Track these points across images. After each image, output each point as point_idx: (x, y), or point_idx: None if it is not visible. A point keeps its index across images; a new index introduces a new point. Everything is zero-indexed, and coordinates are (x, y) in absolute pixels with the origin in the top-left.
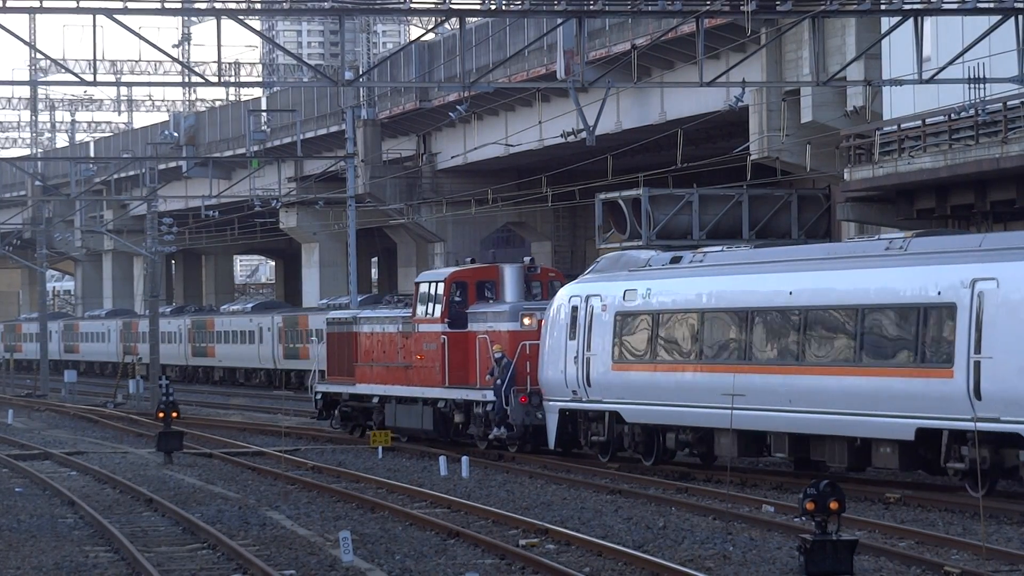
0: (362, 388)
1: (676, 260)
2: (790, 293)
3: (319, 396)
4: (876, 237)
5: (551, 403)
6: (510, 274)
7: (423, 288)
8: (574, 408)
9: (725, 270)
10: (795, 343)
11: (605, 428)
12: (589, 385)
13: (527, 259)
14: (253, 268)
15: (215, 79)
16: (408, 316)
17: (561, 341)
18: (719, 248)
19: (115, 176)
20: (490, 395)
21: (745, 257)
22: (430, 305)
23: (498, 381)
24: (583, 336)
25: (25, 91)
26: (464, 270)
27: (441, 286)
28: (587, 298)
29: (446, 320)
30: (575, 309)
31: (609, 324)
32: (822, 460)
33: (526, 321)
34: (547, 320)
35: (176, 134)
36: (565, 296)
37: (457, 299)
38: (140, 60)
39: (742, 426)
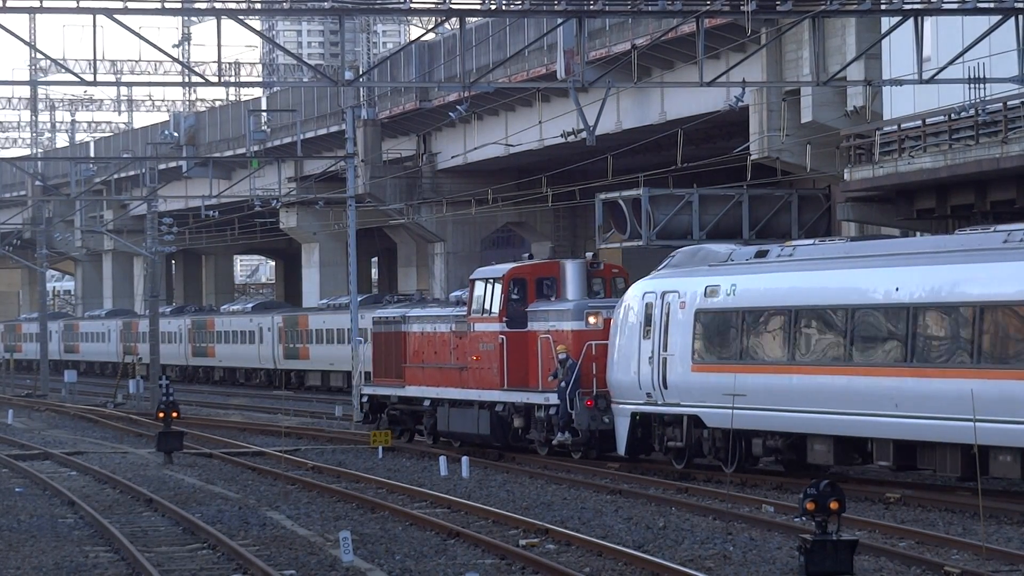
0: (412, 390)
1: (762, 254)
2: (896, 289)
3: (365, 399)
4: (992, 229)
5: (621, 406)
6: (572, 270)
7: (478, 285)
8: (648, 412)
9: (819, 264)
10: (902, 343)
11: (683, 433)
12: (665, 387)
13: (589, 254)
14: (253, 268)
15: (215, 79)
16: (462, 315)
17: (634, 341)
18: (811, 241)
19: (115, 176)
20: (553, 398)
21: (841, 251)
22: (487, 303)
23: (562, 383)
24: (659, 335)
25: (25, 91)
26: (523, 266)
27: (498, 283)
28: (663, 295)
29: (504, 319)
30: (649, 307)
31: (688, 322)
32: (929, 468)
33: (591, 320)
34: (617, 318)
35: (176, 134)
36: (638, 293)
37: (515, 297)
38: (140, 60)
39: (841, 432)
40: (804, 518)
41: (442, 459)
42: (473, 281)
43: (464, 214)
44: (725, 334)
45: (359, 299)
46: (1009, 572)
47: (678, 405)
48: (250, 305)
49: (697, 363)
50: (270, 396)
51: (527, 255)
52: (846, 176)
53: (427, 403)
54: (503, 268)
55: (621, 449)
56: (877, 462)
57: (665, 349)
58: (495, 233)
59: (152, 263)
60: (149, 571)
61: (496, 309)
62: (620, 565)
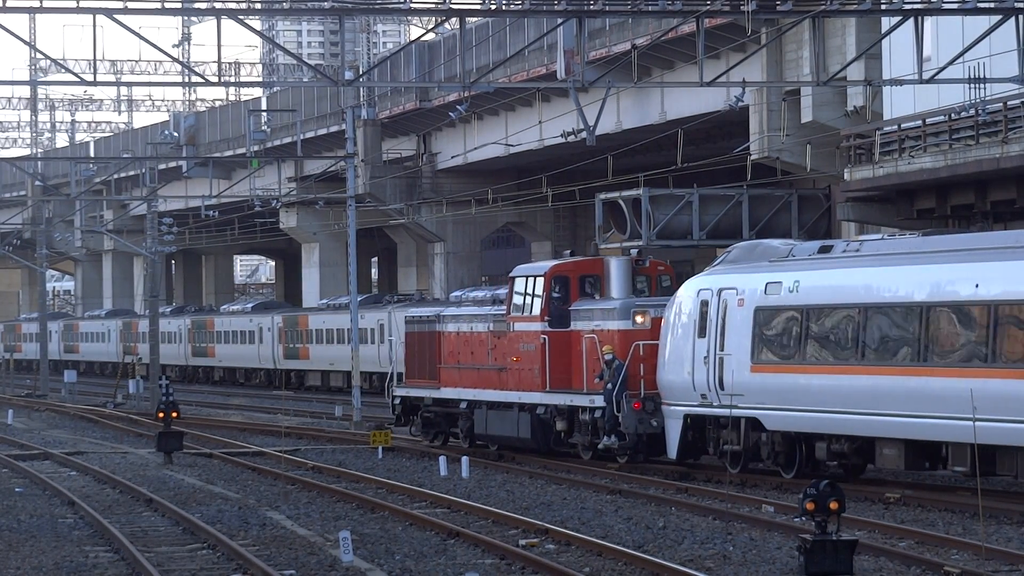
0: (447, 392)
1: (825, 249)
2: (976, 286)
3: (397, 401)
4: None
5: (673, 408)
6: (616, 268)
7: (518, 283)
8: (702, 414)
9: (891, 260)
10: (983, 342)
11: (740, 436)
12: (722, 388)
13: (634, 251)
14: (253, 268)
15: (215, 79)
16: (501, 314)
17: (688, 340)
18: (878, 236)
19: (115, 176)
20: (599, 400)
21: (914, 246)
22: (527, 302)
23: (608, 385)
24: (715, 334)
25: (25, 91)
26: (566, 263)
27: (540, 281)
28: (719, 292)
29: (546, 318)
30: (704, 304)
31: (747, 320)
32: (1009, 474)
33: (639, 319)
34: (668, 317)
35: (176, 134)
36: (692, 290)
37: (556, 295)
38: (140, 60)
39: (914, 436)
40: (804, 518)
41: (442, 459)
42: (512, 279)
43: (464, 214)
44: (787, 332)
45: (359, 299)
46: (1009, 572)
47: (735, 407)
48: (250, 305)
49: (756, 363)
50: (270, 396)
51: (569, 251)
52: (846, 176)
53: (463, 405)
54: (544, 265)
55: (672, 453)
56: (952, 467)
57: (722, 348)
58: (495, 233)
59: (152, 263)
60: (149, 571)
61: (537, 308)
62: (620, 565)
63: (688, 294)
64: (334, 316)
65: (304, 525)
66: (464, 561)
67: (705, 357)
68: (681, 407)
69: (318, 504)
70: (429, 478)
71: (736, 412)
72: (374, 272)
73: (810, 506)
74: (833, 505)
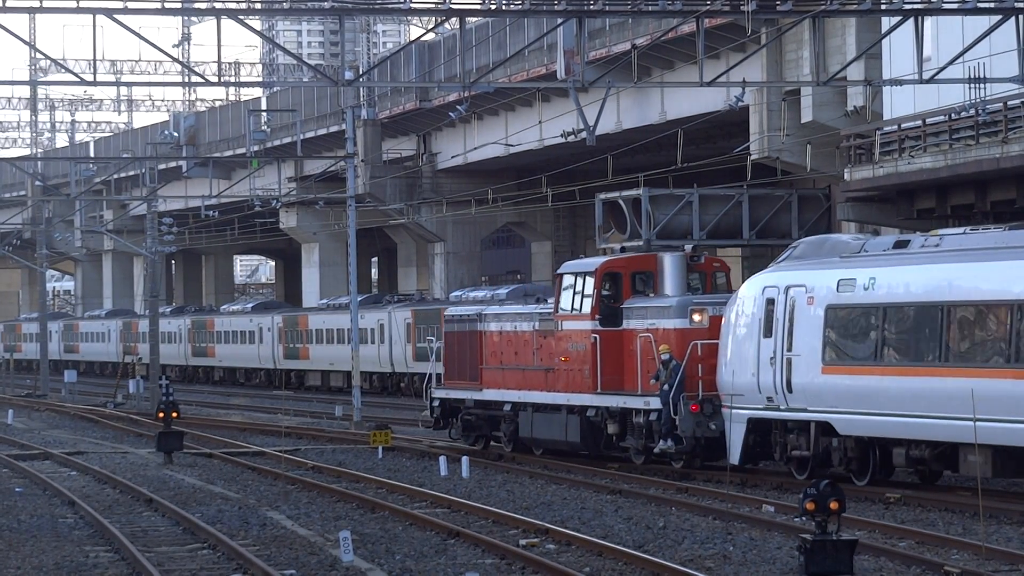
0: (490, 394)
1: (902, 244)
2: None
3: (436, 403)
4: None
5: (736, 412)
6: (670, 264)
7: (567, 280)
8: (768, 418)
9: (973, 255)
10: None
11: (810, 441)
12: (790, 391)
13: (688, 247)
14: (253, 268)
15: (215, 79)
16: (547, 312)
17: (752, 340)
18: (961, 230)
19: (115, 176)
20: (655, 402)
21: (1000, 240)
22: (576, 299)
23: (665, 386)
24: (782, 333)
25: (25, 91)
26: (618, 259)
27: (590, 278)
28: (787, 289)
29: (597, 316)
30: (770, 302)
31: (818, 319)
32: None
33: (696, 317)
34: (729, 316)
35: (176, 134)
36: (757, 287)
37: (607, 292)
38: (140, 60)
39: (1004, 442)
40: (804, 518)
41: (442, 459)
42: (560, 276)
43: (464, 214)
44: (862, 332)
45: (359, 299)
46: (1009, 572)
47: (804, 410)
48: (250, 305)
49: (828, 364)
50: (270, 396)
51: (619, 247)
52: (846, 176)
53: (507, 408)
54: (595, 261)
55: (735, 458)
56: None
57: (790, 349)
58: (495, 233)
59: (152, 263)
60: (149, 571)
61: (588, 306)
62: (620, 565)
63: (752, 292)
64: (334, 316)
65: (304, 525)
66: (464, 561)
67: (771, 358)
68: (744, 410)
69: (318, 504)
70: (429, 478)
71: (806, 415)
72: (374, 272)
73: (810, 506)
74: (833, 505)
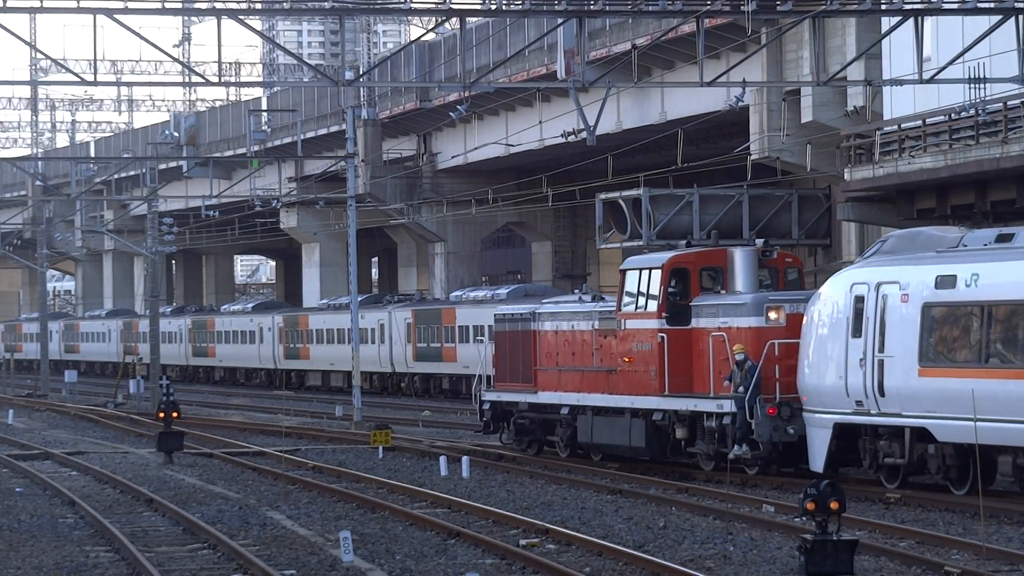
0: (546, 397)
1: (1005, 238)
2: None
3: (487, 406)
4: None
5: (819, 416)
6: (741, 259)
7: (631, 277)
8: (857, 423)
9: None
10: None
11: (905, 448)
12: (882, 394)
13: (759, 241)
14: (253, 268)
15: (215, 79)
16: (609, 310)
17: (838, 340)
18: None
19: (115, 176)
20: (728, 405)
21: None
22: (641, 297)
23: (740, 388)
24: (873, 333)
25: (25, 91)
26: (686, 255)
27: (656, 274)
28: (877, 286)
29: (664, 315)
30: (859, 300)
31: (913, 318)
32: None
33: (772, 315)
34: (812, 314)
35: (176, 134)
36: (844, 284)
37: (673, 289)
38: (140, 60)
39: None
40: (804, 518)
41: (442, 459)
42: (624, 272)
43: (464, 214)
44: (964, 332)
45: (359, 299)
46: (1009, 572)
47: (898, 415)
48: (250, 305)
49: (925, 366)
50: (270, 396)
51: (685, 242)
52: (846, 176)
53: (565, 411)
54: (662, 257)
55: (818, 465)
56: None
57: (881, 350)
58: (495, 233)
59: (152, 263)
60: (149, 571)
61: (654, 304)
62: (620, 565)
63: (838, 289)
64: (334, 316)
65: (304, 525)
66: (464, 561)
67: (861, 359)
68: (830, 415)
69: (318, 504)
70: (429, 478)
71: (900, 421)
72: (374, 272)
73: (811, 506)
74: (834, 505)
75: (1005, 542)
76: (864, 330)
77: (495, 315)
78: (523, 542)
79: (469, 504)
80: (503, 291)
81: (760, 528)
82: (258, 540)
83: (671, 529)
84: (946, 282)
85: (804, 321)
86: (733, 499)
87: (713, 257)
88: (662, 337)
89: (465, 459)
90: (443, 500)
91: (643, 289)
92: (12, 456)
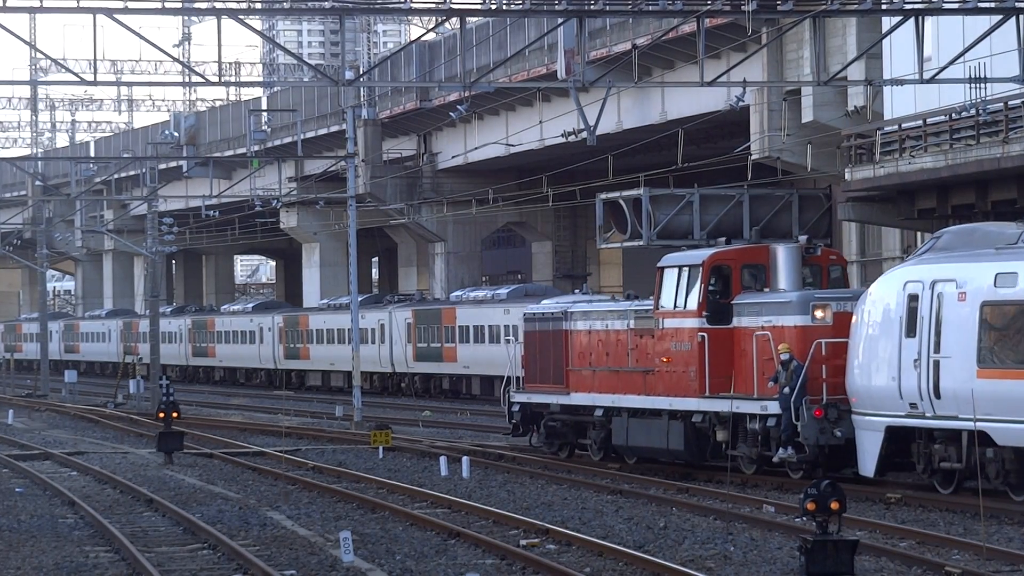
0: (579, 398)
1: None
2: None
3: (516, 408)
4: None
5: (870, 418)
6: (784, 256)
7: (669, 274)
8: (911, 426)
9: None
10: None
11: (962, 452)
12: (937, 396)
13: (803, 237)
14: (253, 268)
15: (215, 79)
16: (645, 309)
17: (891, 340)
18: None
19: (115, 176)
20: (773, 407)
21: None
22: (680, 295)
23: (785, 389)
24: (928, 333)
25: (25, 91)
26: (727, 251)
27: (696, 271)
28: (932, 284)
29: (704, 313)
30: (913, 299)
31: (971, 318)
32: None
33: (819, 314)
34: (862, 313)
35: (176, 134)
36: (897, 282)
37: (714, 287)
38: (140, 60)
39: None
40: (805, 518)
41: (442, 459)
42: (661, 269)
43: (464, 214)
44: None
45: (360, 299)
46: (1010, 572)
47: (955, 418)
48: (250, 305)
49: (984, 367)
50: (270, 396)
51: (724, 239)
52: (847, 176)
53: (599, 413)
54: (702, 254)
55: (869, 469)
56: None
57: (937, 350)
58: (495, 233)
59: (152, 263)
60: (149, 571)
61: (694, 302)
62: (621, 565)
63: (890, 287)
64: (335, 316)
65: (305, 525)
66: (465, 561)
67: (915, 360)
68: (881, 417)
69: (319, 504)
70: (430, 478)
71: (957, 424)
72: (374, 272)
73: (811, 506)
74: (834, 505)
75: (1006, 542)
76: (918, 330)
77: (524, 314)
78: (523, 542)
79: (469, 504)
80: (503, 291)
81: (760, 528)
82: (258, 540)
83: (671, 529)
84: (1006, 280)
85: (853, 320)
86: (733, 499)
87: (755, 254)
88: (702, 336)
89: (465, 459)
90: (443, 500)
91: (682, 287)
92: (12, 456)
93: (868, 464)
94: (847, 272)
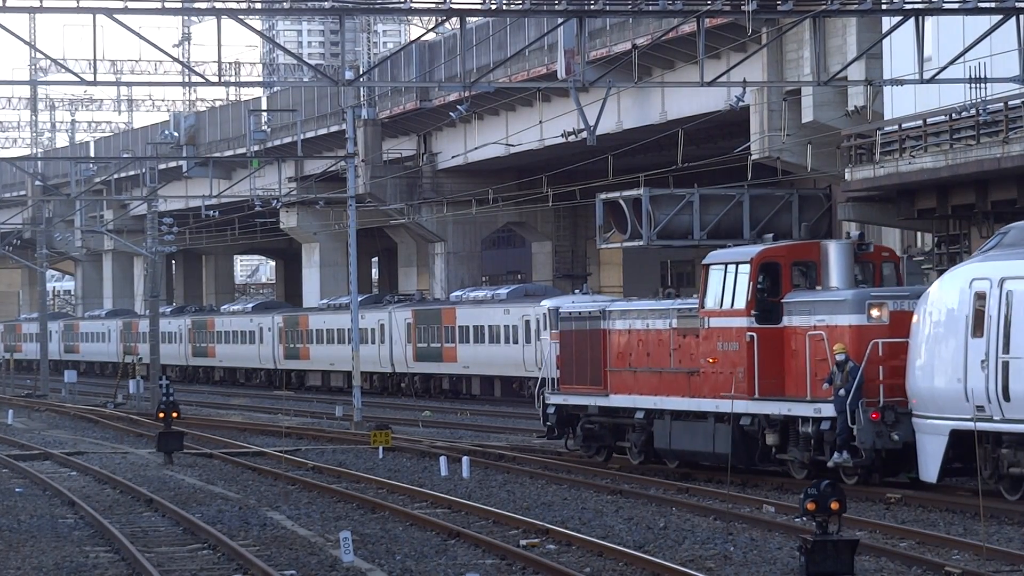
0: (619, 400)
1: None
2: None
3: (551, 410)
4: None
5: (933, 422)
6: (836, 253)
7: (715, 272)
8: (979, 430)
9: None
10: None
11: None
12: (1007, 399)
13: (855, 234)
14: (253, 268)
15: (215, 79)
16: (689, 307)
17: (956, 340)
18: None
19: (115, 176)
20: (827, 409)
21: None
22: (727, 293)
23: (841, 391)
24: (997, 333)
25: (25, 91)
26: (777, 248)
27: (744, 269)
28: (1001, 282)
29: (753, 312)
30: (980, 297)
31: None
32: None
33: (875, 313)
34: (923, 312)
35: (176, 134)
36: (962, 280)
37: (762, 285)
38: (140, 60)
39: None
40: (805, 518)
41: (442, 459)
42: (707, 267)
43: (464, 214)
44: None
45: (359, 299)
46: (1010, 572)
47: None
48: (250, 305)
49: None
50: (270, 396)
51: (771, 235)
52: (847, 176)
53: (639, 415)
54: (750, 251)
55: (931, 474)
56: None
57: (1006, 351)
58: (495, 233)
59: (152, 263)
60: (149, 571)
61: (742, 300)
62: (621, 565)
63: (955, 285)
64: (334, 316)
65: (304, 525)
66: (465, 561)
67: (982, 361)
68: (945, 421)
69: (319, 504)
70: (430, 478)
71: None
72: (374, 272)
73: (811, 506)
74: (834, 505)
75: (1005, 542)
76: (986, 329)
77: (560, 313)
78: (523, 542)
79: (469, 504)
80: (503, 291)
81: (760, 528)
82: (258, 540)
83: (671, 529)
84: None
85: (914, 320)
86: (733, 499)
87: (805, 251)
88: (751, 336)
89: (465, 459)
90: (443, 500)
91: (729, 285)
92: (12, 456)
93: (930, 469)
94: (900, 269)
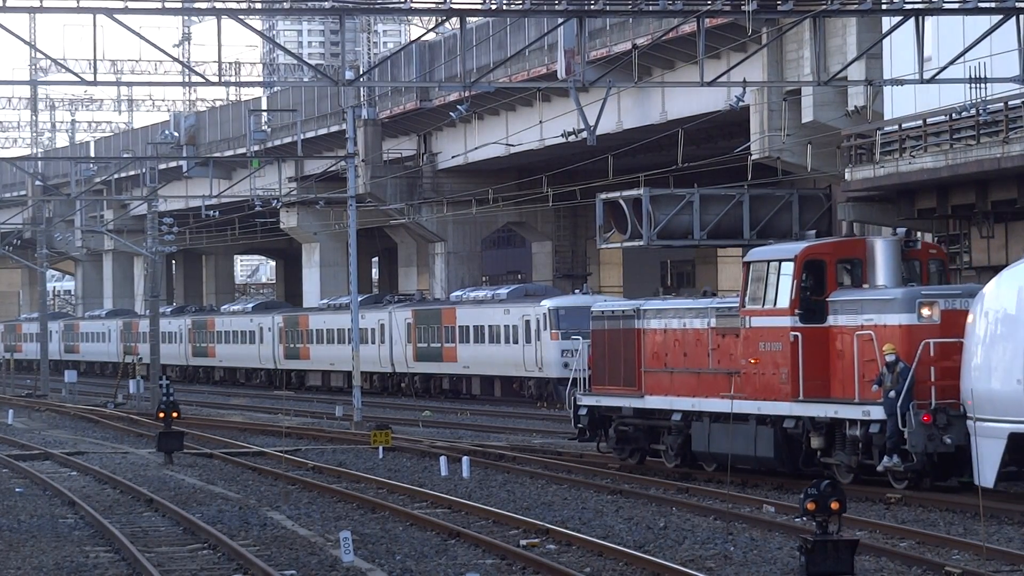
0: (654, 401)
1: None
2: None
3: (583, 412)
4: None
5: (990, 425)
6: (883, 250)
7: (756, 269)
8: None
9: None
10: None
11: None
12: None
13: (902, 231)
14: (253, 268)
15: (215, 79)
16: (729, 306)
17: (1015, 340)
18: None
19: (115, 176)
20: (876, 412)
21: None
22: (770, 291)
23: (891, 393)
24: None
25: (25, 91)
26: (821, 245)
27: (788, 266)
28: None
29: (797, 311)
30: None
31: None
32: None
33: (925, 312)
34: (981, 311)
35: (176, 134)
36: (1021, 279)
37: (805, 283)
38: (140, 60)
39: None
40: (805, 518)
41: (442, 459)
42: (748, 264)
43: (464, 214)
44: None
45: (360, 299)
46: (1010, 572)
47: None
48: (250, 305)
49: None
50: (270, 396)
51: (813, 231)
52: (847, 176)
53: (676, 417)
54: (794, 247)
55: (988, 479)
56: None
57: None
58: (495, 233)
59: (152, 263)
60: (149, 571)
61: (785, 299)
62: (621, 565)
63: (1012, 284)
64: (335, 316)
65: (305, 525)
66: (465, 561)
67: None
68: (1003, 424)
69: (319, 504)
70: (430, 478)
71: None
72: (375, 272)
73: (811, 506)
74: (834, 505)
75: (1005, 542)
76: None
77: (592, 312)
78: (523, 542)
79: (469, 504)
80: (503, 291)
81: (761, 528)
82: (258, 540)
83: (671, 529)
84: None
85: (969, 320)
86: (733, 499)
87: (851, 248)
88: (795, 336)
89: (465, 459)
90: (443, 500)
91: (771, 283)
92: (12, 456)
93: (988, 473)
94: (947, 267)
